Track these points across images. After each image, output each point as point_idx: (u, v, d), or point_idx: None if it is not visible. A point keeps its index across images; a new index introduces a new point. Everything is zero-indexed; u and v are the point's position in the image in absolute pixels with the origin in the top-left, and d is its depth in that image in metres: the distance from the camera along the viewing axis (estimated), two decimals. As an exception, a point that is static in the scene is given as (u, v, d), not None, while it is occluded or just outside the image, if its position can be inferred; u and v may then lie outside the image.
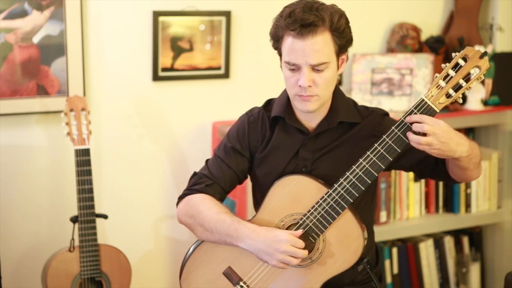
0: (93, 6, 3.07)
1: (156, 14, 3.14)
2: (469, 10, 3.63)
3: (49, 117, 3.06)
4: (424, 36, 3.63)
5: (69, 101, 2.92)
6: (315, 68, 2.07)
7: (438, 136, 1.97)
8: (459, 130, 3.63)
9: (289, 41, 2.07)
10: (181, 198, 2.27)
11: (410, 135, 2.00)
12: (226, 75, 3.32)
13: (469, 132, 3.69)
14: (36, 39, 2.98)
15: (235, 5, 3.29)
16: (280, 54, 2.15)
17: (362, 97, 3.47)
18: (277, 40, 2.13)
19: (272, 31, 2.15)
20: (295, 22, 2.04)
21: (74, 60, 3.04)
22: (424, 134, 1.98)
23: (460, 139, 2.01)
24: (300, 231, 2.08)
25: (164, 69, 3.21)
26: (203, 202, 2.20)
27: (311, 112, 2.16)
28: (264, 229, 2.09)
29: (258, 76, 3.39)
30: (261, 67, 3.39)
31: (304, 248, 2.10)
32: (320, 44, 2.05)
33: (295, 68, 2.09)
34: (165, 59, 3.20)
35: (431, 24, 3.69)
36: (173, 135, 3.30)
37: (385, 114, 2.27)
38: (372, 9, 3.56)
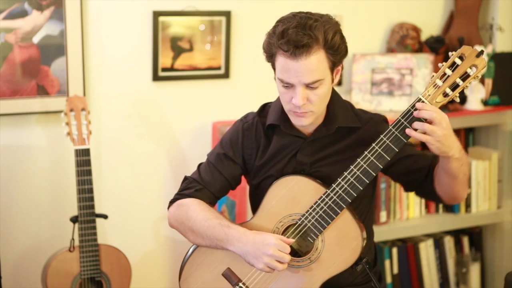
0: (93, 6, 3.07)
1: (156, 14, 3.14)
2: (469, 10, 3.62)
3: (49, 117, 3.06)
4: (424, 36, 3.63)
5: (69, 101, 2.92)
6: (309, 86, 2.05)
7: (442, 127, 1.97)
8: (459, 130, 3.65)
9: (282, 60, 2.05)
10: (171, 202, 2.28)
11: (415, 123, 2.00)
12: (226, 75, 3.32)
13: (469, 132, 3.69)
14: (36, 39, 2.98)
15: (235, 5, 3.29)
16: (274, 68, 2.13)
17: (362, 97, 3.47)
18: (270, 56, 2.11)
19: (265, 47, 2.11)
20: (288, 43, 2.01)
21: (74, 60, 3.04)
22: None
23: (455, 138, 2.03)
24: (291, 240, 2.08)
25: (164, 69, 3.21)
26: (192, 208, 2.19)
27: (306, 126, 2.16)
28: (253, 232, 2.09)
29: (258, 76, 3.39)
30: (261, 67, 3.36)
31: (303, 248, 2.11)
32: (314, 63, 2.02)
33: (288, 86, 2.07)
34: (165, 59, 3.20)
35: (431, 24, 3.68)
36: (173, 135, 3.30)
37: (385, 120, 2.26)
38: (372, 9, 3.56)
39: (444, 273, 3.63)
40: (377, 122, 2.23)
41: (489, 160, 3.59)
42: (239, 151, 2.26)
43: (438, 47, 3.55)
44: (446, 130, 1.98)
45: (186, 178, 2.29)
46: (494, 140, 3.64)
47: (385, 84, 3.47)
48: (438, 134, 1.97)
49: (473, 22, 3.63)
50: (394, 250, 3.51)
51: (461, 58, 2.00)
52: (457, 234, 3.69)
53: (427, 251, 3.58)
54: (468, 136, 3.70)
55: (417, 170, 2.21)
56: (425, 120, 2.00)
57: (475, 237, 3.74)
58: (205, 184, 2.24)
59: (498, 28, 3.63)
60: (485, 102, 3.54)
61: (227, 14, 3.25)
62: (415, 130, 2.00)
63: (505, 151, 3.62)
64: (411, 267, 3.55)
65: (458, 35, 3.59)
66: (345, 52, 2.10)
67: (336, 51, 2.06)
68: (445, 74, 2.01)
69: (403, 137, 2.03)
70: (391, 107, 3.47)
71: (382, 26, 3.60)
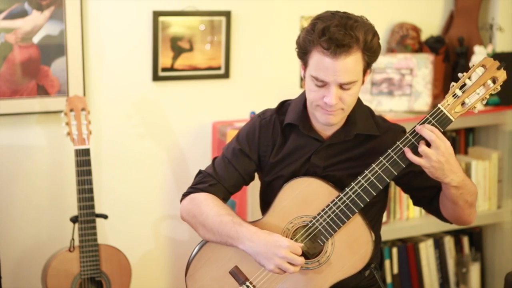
0: (93, 6, 3.07)
1: (156, 14, 3.13)
2: (469, 10, 3.63)
3: (49, 117, 3.06)
4: (424, 36, 3.63)
5: (69, 101, 2.92)
6: (343, 86, 2.04)
7: (439, 152, 1.97)
8: (459, 130, 3.65)
9: (319, 57, 2.03)
10: (185, 195, 2.27)
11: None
12: (226, 75, 3.31)
13: (469, 132, 3.70)
14: (36, 39, 2.97)
15: (235, 5, 3.29)
16: (305, 65, 2.11)
17: (362, 97, 3.41)
18: (304, 53, 2.08)
19: (300, 42, 2.09)
20: (329, 41, 1.99)
21: (74, 60, 3.04)
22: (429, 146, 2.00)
23: (457, 169, 2.02)
24: (300, 244, 2.07)
25: (164, 69, 3.21)
26: (206, 202, 2.18)
27: (332, 125, 2.14)
28: (265, 232, 2.08)
29: (258, 76, 3.39)
30: (261, 67, 3.39)
31: (311, 251, 2.11)
32: (352, 64, 2.02)
33: (322, 84, 2.05)
34: (165, 59, 3.20)
35: (431, 24, 3.69)
36: (173, 135, 3.30)
37: (403, 131, 2.23)
38: (372, 9, 3.56)
39: (444, 273, 3.63)
40: (395, 132, 2.20)
41: (489, 160, 3.59)
42: (255, 147, 2.24)
43: (438, 47, 3.55)
44: (443, 157, 1.98)
45: (200, 172, 2.28)
46: (494, 140, 3.64)
47: (385, 84, 3.47)
48: (432, 158, 1.98)
49: (473, 22, 3.63)
50: (394, 250, 3.51)
51: (481, 69, 2.01)
52: (457, 234, 3.69)
53: (427, 251, 3.58)
54: (468, 136, 3.70)
55: (428, 187, 2.20)
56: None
57: (475, 237, 3.74)
58: (220, 179, 2.23)
59: (498, 28, 3.63)
60: (485, 102, 3.54)
61: (227, 14, 3.25)
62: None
63: (505, 151, 3.62)
64: (411, 267, 3.55)
65: (458, 35, 3.59)
66: (378, 55, 2.10)
67: (373, 53, 2.06)
68: (465, 84, 2.01)
69: (419, 144, 2.02)
70: (391, 107, 3.47)
71: (382, 26, 3.60)
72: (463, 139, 3.68)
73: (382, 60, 3.47)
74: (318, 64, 2.03)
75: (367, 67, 2.08)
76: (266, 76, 3.39)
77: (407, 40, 3.53)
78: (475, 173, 3.57)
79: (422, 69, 3.45)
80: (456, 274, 3.66)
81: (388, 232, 3.42)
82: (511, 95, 3.59)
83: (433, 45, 3.57)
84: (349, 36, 1.99)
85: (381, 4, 3.58)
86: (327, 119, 2.10)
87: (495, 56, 3.51)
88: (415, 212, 3.52)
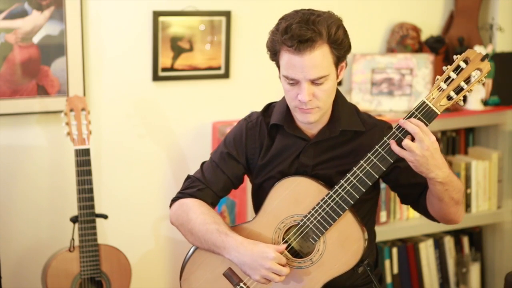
0: (93, 6, 3.07)
1: (156, 14, 3.14)
2: (469, 10, 3.63)
3: (49, 117, 3.06)
4: (424, 36, 3.63)
5: (69, 101, 2.92)
6: (314, 82, 2.05)
7: (423, 146, 1.97)
8: (459, 130, 3.65)
9: (286, 56, 2.04)
10: (174, 200, 2.27)
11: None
12: (226, 75, 3.32)
13: (469, 132, 3.69)
14: (36, 39, 2.98)
15: (235, 5, 3.29)
16: (278, 66, 2.12)
17: (362, 97, 3.47)
18: (274, 54, 2.10)
19: (268, 44, 2.10)
20: (292, 38, 2.00)
21: (74, 60, 3.04)
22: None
23: (442, 164, 2.01)
24: (284, 245, 2.08)
25: (164, 69, 3.21)
26: (193, 210, 2.19)
27: (312, 123, 2.15)
28: (252, 243, 2.08)
29: (258, 76, 3.39)
30: (261, 67, 3.39)
31: (304, 250, 2.11)
32: (319, 58, 2.02)
33: (294, 82, 2.06)
34: (165, 59, 3.20)
35: (431, 24, 3.69)
36: (173, 135, 3.30)
37: (390, 127, 2.22)
38: (372, 9, 3.56)
39: (444, 273, 3.63)
40: (381, 129, 2.20)
41: (489, 160, 3.59)
42: (242, 151, 2.25)
43: (438, 47, 3.56)
44: (427, 151, 1.97)
45: (189, 176, 2.29)
46: (494, 140, 3.64)
47: (385, 84, 3.47)
48: (416, 151, 1.97)
49: (473, 22, 3.63)
50: (394, 250, 3.51)
51: (465, 61, 2.00)
52: (457, 234, 3.69)
53: (427, 251, 3.58)
54: (468, 136, 3.70)
55: (414, 184, 2.20)
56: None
57: (475, 237, 3.74)
58: (208, 184, 2.24)
59: (498, 28, 3.63)
60: (485, 102, 3.54)
61: (227, 14, 3.25)
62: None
63: (505, 151, 3.62)
64: (411, 267, 3.55)
65: (458, 35, 3.59)
66: (348, 47, 2.09)
67: (340, 45, 2.05)
68: (449, 77, 2.01)
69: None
70: (391, 107, 3.47)
71: (382, 26, 3.61)
72: (463, 139, 3.68)
73: (382, 60, 3.47)
74: (286, 63, 2.05)
75: (338, 60, 2.08)
76: (266, 76, 3.38)
77: (407, 40, 3.53)
78: (475, 173, 3.57)
79: (422, 69, 3.45)
80: (456, 274, 3.66)
81: (388, 232, 3.42)
82: (511, 95, 3.59)
83: (433, 45, 3.57)
84: (311, 31, 2.00)
85: (381, 4, 3.58)
86: (305, 118, 2.11)
87: (495, 56, 3.51)
88: (415, 212, 3.50)
